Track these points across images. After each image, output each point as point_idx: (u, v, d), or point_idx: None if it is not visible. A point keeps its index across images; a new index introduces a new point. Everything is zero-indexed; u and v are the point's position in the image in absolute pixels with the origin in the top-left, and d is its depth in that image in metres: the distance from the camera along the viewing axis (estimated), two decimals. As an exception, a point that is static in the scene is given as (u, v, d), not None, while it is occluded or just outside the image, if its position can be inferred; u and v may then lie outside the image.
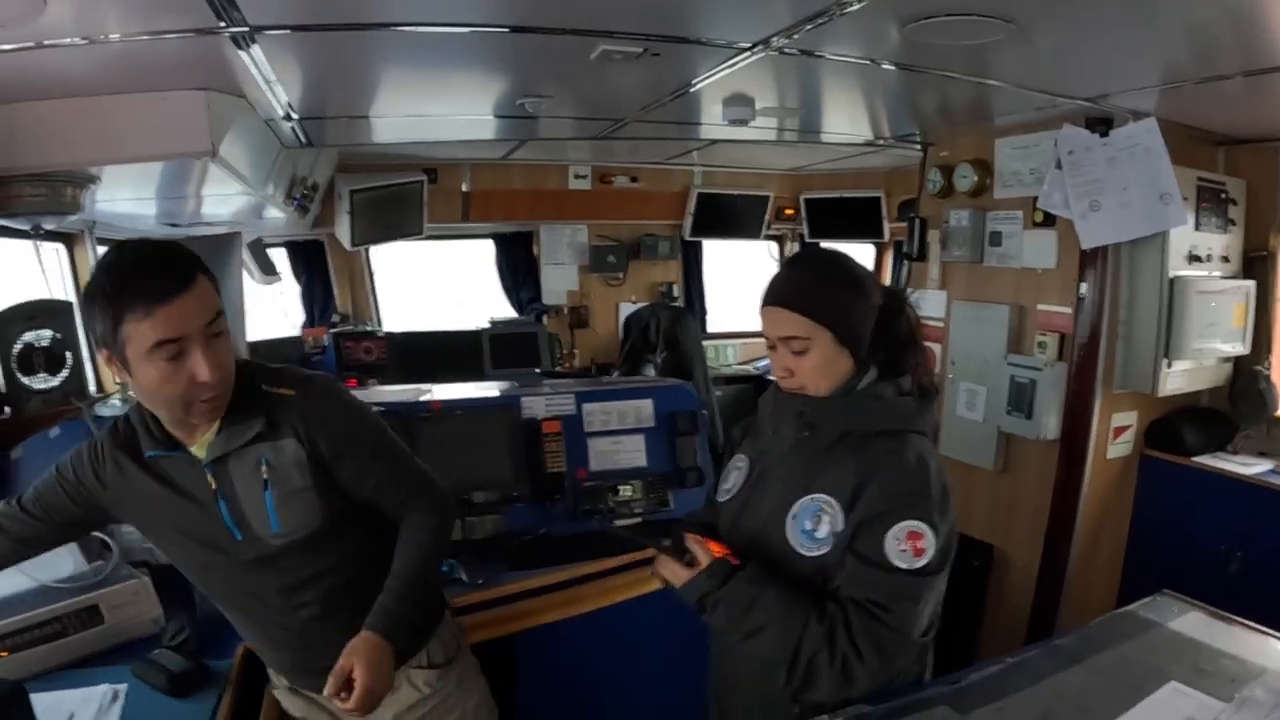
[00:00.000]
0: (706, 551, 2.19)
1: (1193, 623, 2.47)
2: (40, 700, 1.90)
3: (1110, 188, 4.13)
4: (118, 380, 3.69)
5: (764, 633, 2.08)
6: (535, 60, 3.41)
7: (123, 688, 2.47)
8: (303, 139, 4.75)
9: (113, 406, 3.85)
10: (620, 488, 3.94)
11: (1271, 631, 2.36)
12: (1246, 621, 2.44)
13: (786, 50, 3.19)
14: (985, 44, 3.07)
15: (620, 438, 4.08)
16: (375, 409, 3.46)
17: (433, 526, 2.40)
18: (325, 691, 2.15)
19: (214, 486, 2.21)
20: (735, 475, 2.44)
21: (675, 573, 2.24)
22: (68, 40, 2.58)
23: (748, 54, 3.27)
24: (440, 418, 3.80)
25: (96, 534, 2.79)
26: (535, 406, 4.00)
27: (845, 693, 2.05)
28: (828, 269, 2.25)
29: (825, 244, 8.56)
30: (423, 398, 3.99)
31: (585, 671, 3.50)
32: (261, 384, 2.22)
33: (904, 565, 2.02)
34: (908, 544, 2.03)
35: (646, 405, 4.18)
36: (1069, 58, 3.39)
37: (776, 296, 2.22)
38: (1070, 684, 2.15)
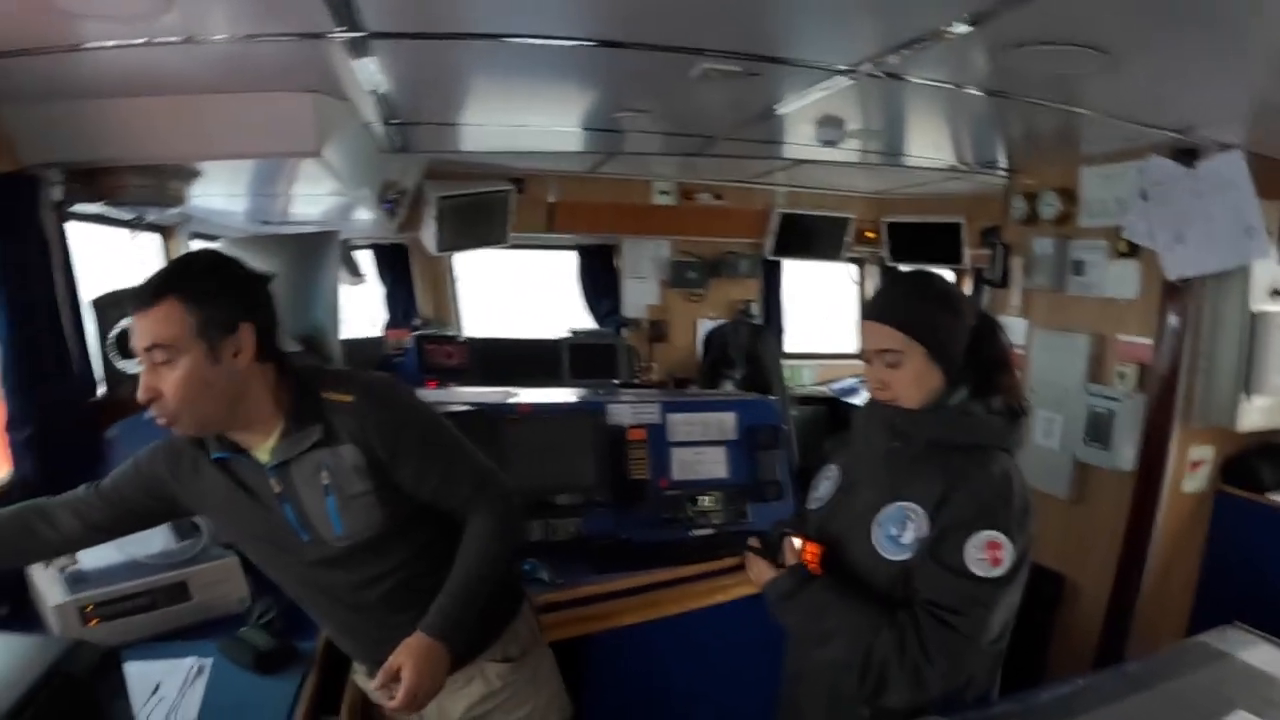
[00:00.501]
0: (795, 553, 2.33)
1: (1263, 655, 2.44)
2: (128, 669, 1.94)
3: (1196, 220, 4.09)
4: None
5: (836, 638, 2.21)
6: (635, 75, 3.46)
7: (208, 662, 2.54)
8: (398, 144, 4.83)
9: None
10: (700, 498, 3.98)
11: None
12: None
13: (880, 74, 3.22)
14: (1077, 73, 3.09)
15: (702, 449, 4.13)
16: (462, 408, 3.58)
17: (493, 528, 2.39)
18: (373, 685, 2.24)
19: (278, 491, 2.26)
20: (827, 484, 2.54)
21: (760, 570, 2.43)
22: (177, 39, 2.63)
23: (842, 77, 3.30)
24: (527, 420, 3.89)
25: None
26: (621, 414, 4.07)
27: (918, 698, 2.12)
28: (924, 288, 2.36)
29: (906, 267, 8.62)
30: (509, 400, 4.09)
31: (657, 676, 3.59)
32: (321, 391, 2.25)
33: (980, 573, 2.10)
34: (986, 553, 2.11)
35: (730, 418, 4.22)
36: (1158, 88, 3.38)
37: (874, 310, 2.34)
38: (1138, 708, 2.17)
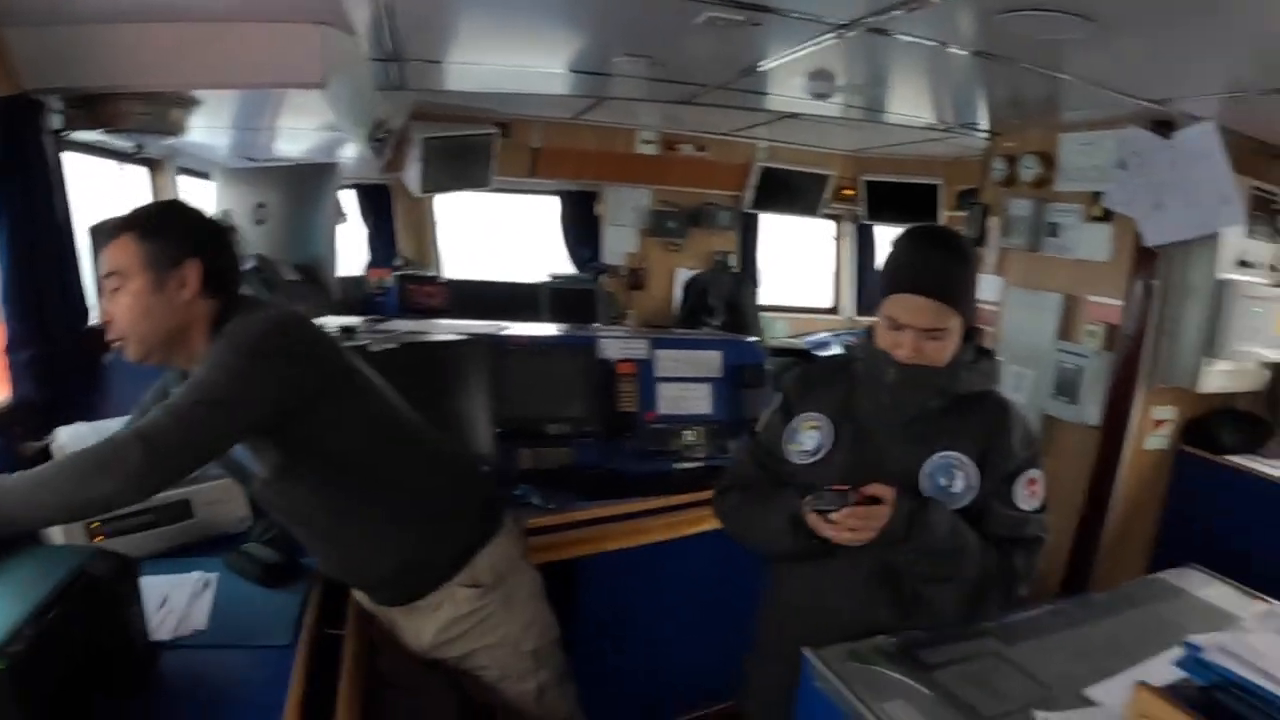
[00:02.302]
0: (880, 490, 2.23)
1: (1220, 594, 2.63)
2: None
3: (1173, 188, 4.22)
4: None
5: (965, 556, 2.26)
6: (637, 20, 3.53)
7: (214, 576, 2.60)
8: (394, 80, 4.85)
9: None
10: (685, 432, 4.09)
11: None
12: (1264, 596, 2.60)
13: (875, 29, 3.29)
14: (1064, 40, 3.18)
15: (689, 385, 4.23)
16: (456, 338, 3.62)
17: (91, 466, 1.96)
18: None
19: None
20: (815, 436, 2.45)
21: (862, 517, 2.20)
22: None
23: (840, 30, 3.36)
24: (521, 352, 3.97)
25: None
26: (610, 349, 4.16)
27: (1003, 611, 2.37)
28: (960, 254, 2.32)
29: (880, 227, 8.81)
30: (502, 333, 4.15)
31: (642, 598, 3.72)
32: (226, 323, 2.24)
33: (1029, 508, 2.34)
34: (1028, 489, 2.34)
35: (715, 356, 4.32)
36: (1141, 59, 3.48)
37: (917, 283, 2.25)
38: (1102, 630, 2.37)
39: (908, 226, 2.39)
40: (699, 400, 4.24)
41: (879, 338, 2.35)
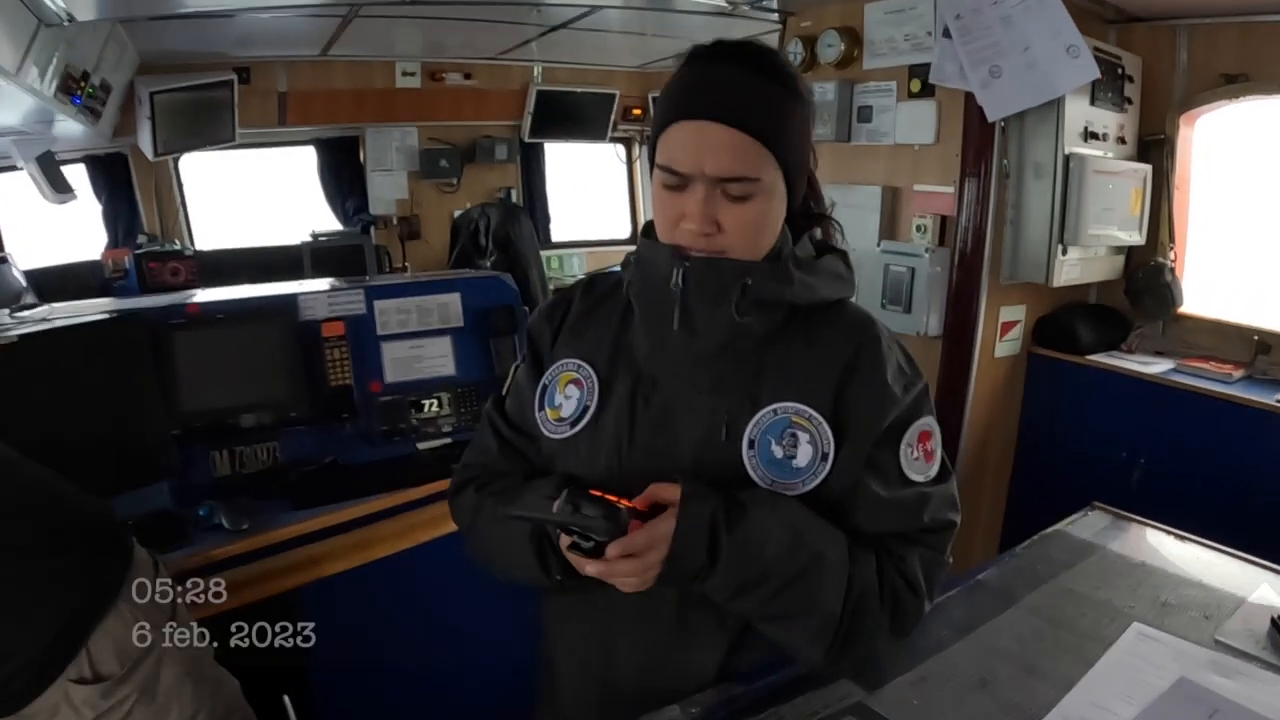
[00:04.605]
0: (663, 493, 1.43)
1: (1135, 541, 2.13)
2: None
3: (1010, 50, 3.78)
4: None
5: (816, 578, 1.43)
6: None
7: None
8: (64, 14, 4.07)
9: None
10: (424, 402, 3.39)
11: (1231, 550, 2.06)
12: (1199, 539, 2.11)
13: None
14: None
15: (422, 341, 3.50)
16: (98, 318, 2.92)
17: None
18: None
19: None
20: (573, 397, 1.63)
21: (642, 548, 1.38)
22: None
23: None
24: (198, 323, 3.10)
25: None
26: (316, 306, 3.34)
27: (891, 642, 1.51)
28: (782, 71, 1.47)
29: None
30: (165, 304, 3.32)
31: (390, 627, 2.97)
32: None
33: (922, 477, 1.53)
34: (919, 449, 1.53)
35: (453, 301, 3.58)
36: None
37: (708, 105, 1.42)
38: (1006, 634, 1.69)
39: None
40: (437, 359, 3.48)
41: (657, 218, 1.51)
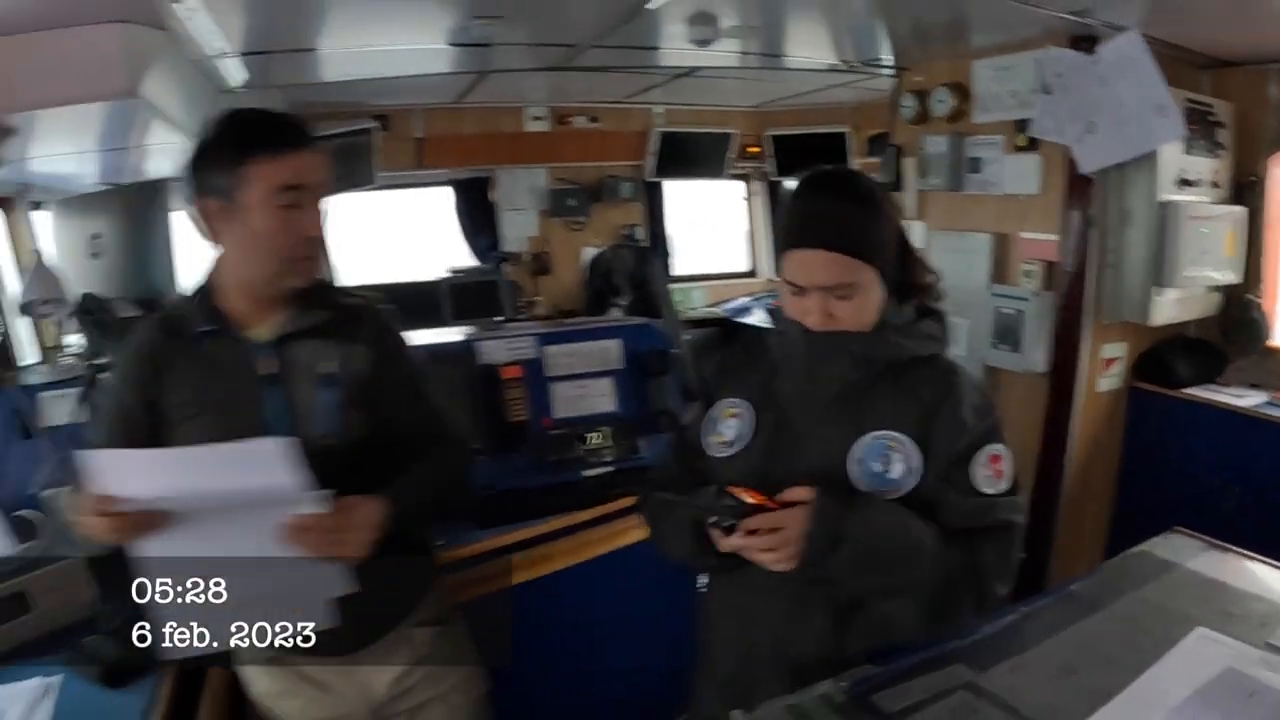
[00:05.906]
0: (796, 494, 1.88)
1: (1211, 562, 2.33)
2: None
3: (1105, 107, 3.97)
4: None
5: (920, 556, 1.91)
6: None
7: (56, 680, 2.25)
8: (242, 80, 4.49)
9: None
10: (588, 435, 3.76)
11: (1296, 569, 2.24)
12: (1268, 560, 2.30)
13: None
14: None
15: (586, 382, 3.91)
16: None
17: (453, 458, 2.36)
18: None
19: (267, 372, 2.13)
20: (735, 425, 2.11)
21: (772, 527, 1.84)
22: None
23: None
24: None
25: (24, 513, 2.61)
26: (493, 351, 3.80)
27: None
28: (861, 195, 1.98)
29: (791, 182, 8.44)
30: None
31: (560, 634, 3.34)
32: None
33: (994, 491, 1.99)
34: (989, 468, 1.98)
35: (613, 346, 4.00)
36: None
37: (812, 236, 1.93)
38: (1090, 633, 1.99)
39: (801, 175, 2.06)
40: (600, 398, 3.89)
41: (786, 306, 2.02)
